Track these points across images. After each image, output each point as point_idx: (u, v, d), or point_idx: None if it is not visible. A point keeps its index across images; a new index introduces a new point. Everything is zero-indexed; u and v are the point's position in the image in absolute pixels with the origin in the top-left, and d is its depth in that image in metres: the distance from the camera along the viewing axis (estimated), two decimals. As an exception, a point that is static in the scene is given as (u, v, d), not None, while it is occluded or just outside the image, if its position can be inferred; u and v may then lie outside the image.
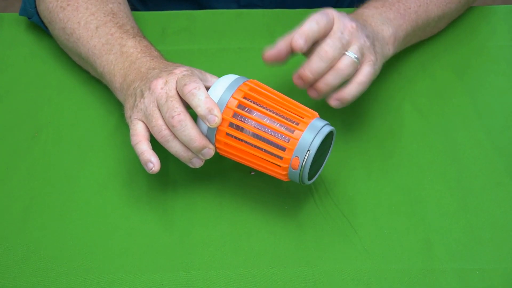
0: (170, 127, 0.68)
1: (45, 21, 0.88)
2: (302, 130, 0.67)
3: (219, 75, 0.87)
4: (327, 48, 0.72)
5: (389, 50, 0.81)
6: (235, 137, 0.68)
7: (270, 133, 0.68)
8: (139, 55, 0.78)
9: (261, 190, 0.76)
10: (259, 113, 0.68)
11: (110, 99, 0.84)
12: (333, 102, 0.74)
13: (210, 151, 0.69)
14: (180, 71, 0.70)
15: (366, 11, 0.83)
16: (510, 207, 0.75)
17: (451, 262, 0.70)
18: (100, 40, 0.81)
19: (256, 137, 0.68)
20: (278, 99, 0.69)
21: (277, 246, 0.71)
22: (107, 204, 0.75)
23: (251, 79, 0.70)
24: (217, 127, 0.68)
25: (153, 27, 0.94)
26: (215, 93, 0.68)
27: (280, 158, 0.67)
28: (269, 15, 0.96)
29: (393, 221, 0.74)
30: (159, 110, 0.69)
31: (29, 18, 0.91)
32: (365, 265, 0.70)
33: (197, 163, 0.70)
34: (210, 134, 0.68)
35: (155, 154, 0.70)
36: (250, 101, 0.68)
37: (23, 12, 0.92)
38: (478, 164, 0.79)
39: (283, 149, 0.67)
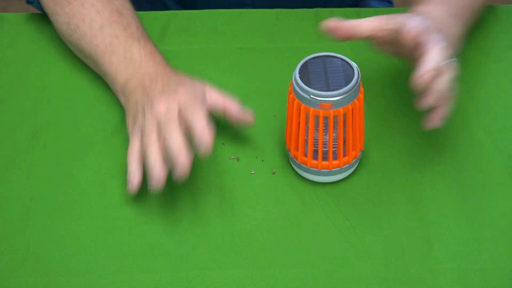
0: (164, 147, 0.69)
1: (48, 11, 0.88)
2: None
3: (219, 75, 0.88)
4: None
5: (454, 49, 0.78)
6: None
7: None
8: (143, 61, 0.78)
9: (261, 190, 0.76)
10: None
11: (110, 99, 0.84)
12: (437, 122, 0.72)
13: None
14: (183, 94, 0.71)
15: (431, 10, 0.78)
16: (510, 207, 0.75)
17: (451, 262, 0.70)
18: (104, 40, 0.81)
19: None
20: None
21: (277, 246, 0.71)
22: (107, 204, 0.75)
23: None
24: None
25: (153, 27, 0.94)
26: None
27: None
28: (269, 15, 0.96)
29: (393, 221, 0.74)
30: (158, 130, 0.69)
31: (28, 2, 0.91)
32: (365, 265, 0.70)
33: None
34: None
35: (140, 175, 0.71)
36: None
37: None
38: (478, 164, 0.79)
39: None
